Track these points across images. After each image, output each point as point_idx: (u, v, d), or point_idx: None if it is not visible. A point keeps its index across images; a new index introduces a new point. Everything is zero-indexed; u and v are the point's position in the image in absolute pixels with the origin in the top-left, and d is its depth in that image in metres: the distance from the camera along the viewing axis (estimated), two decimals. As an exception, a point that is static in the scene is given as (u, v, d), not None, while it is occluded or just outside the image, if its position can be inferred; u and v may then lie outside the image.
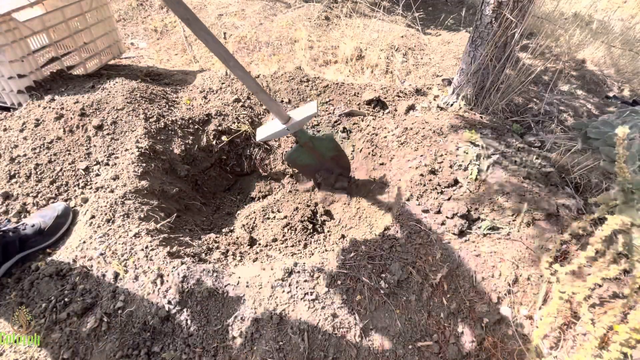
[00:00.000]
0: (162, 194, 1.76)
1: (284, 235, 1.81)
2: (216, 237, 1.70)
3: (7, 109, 2.09)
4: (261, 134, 1.78)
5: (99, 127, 1.86)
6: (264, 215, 1.96)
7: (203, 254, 1.51)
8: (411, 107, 2.27)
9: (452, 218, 1.55)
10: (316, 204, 2.04)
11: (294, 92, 2.32)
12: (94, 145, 1.82)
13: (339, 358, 1.19)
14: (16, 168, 1.67)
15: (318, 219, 1.97)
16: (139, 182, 1.67)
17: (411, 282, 1.35)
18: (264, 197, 2.15)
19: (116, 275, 1.30)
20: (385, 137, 2.09)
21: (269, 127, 1.78)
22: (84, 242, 1.42)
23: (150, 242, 1.41)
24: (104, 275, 1.31)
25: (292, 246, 1.76)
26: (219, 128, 2.11)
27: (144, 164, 1.76)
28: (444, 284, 1.36)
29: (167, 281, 1.28)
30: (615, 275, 1.27)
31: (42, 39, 2.17)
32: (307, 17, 3.66)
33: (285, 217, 1.92)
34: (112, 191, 1.62)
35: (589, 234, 1.47)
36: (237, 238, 1.78)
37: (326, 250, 1.70)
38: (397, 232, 1.52)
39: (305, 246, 1.80)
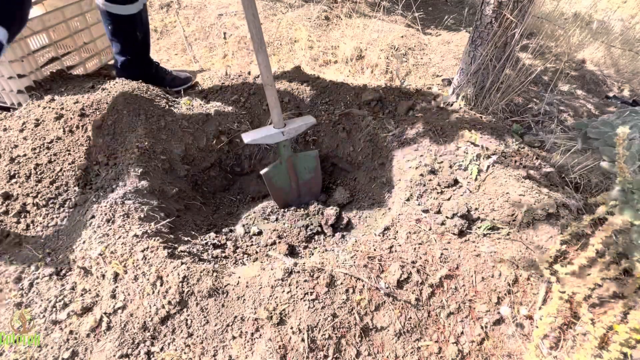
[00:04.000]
0: (162, 194, 1.76)
1: (282, 236, 1.81)
2: (216, 237, 1.70)
3: (7, 109, 2.09)
4: (250, 136, 1.69)
5: (99, 127, 1.86)
6: (263, 216, 1.96)
7: (203, 254, 1.51)
8: (411, 107, 2.27)
9: (452, 218, 1.55)
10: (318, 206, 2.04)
11: (294, 92, 2.32)
12: (94, 146, 1.82)
13: (339, 358, 1.19)
14: (16, 168, 1.67)
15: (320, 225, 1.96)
16: (139, 182, 1.67)
17: (411, 282, 1.35)
18: (264, 197, 2.15)
19: (116, 275, 1.30)
20: (385, 137, 2.09)
21: (261, 130, 1.71)
22: (84, 242, 1.42)
23: (150, 242, 1.41)
24: (103, 276, 1.31)
25: (292, 246, 1.76)
26: (219, 128, 2.11)
27: (144, 164, 1.76)
28: (444, 284, 1.36)
29: (167, 281, 1.28)
30: (615, 275, 1.27)
31: (42, 39, 2.17)
32: (307, 17, 3.65)
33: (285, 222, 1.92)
34: (112, 191, 1.62)
35: (589, 234, 1.48)
36: (237, 238, 1.78)
37: (326, 250, 1.70)
38: (397, 232, 1.52)
39: (305, 247, 1.80)
